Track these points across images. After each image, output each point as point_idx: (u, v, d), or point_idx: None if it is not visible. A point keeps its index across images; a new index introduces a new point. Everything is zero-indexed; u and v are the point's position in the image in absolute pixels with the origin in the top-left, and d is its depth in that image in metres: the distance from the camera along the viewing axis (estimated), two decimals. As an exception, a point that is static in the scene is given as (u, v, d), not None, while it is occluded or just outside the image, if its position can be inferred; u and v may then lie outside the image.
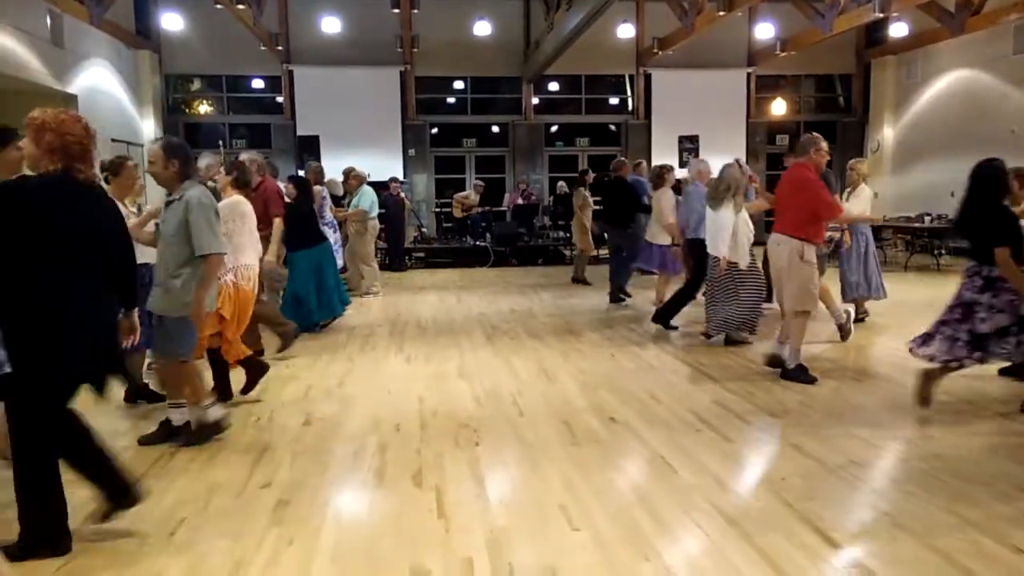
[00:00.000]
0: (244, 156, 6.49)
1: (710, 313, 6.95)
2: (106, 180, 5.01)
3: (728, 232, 6.51)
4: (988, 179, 4.74)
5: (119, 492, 3.22)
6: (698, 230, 7.31)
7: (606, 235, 10.56)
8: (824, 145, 5.72)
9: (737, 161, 6.80)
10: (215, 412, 4.45)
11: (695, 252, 7.45)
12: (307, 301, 7.54)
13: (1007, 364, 5.54)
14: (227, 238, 4.79)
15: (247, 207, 5.17)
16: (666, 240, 8.66)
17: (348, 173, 12.43)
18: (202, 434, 4.39)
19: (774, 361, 5.85)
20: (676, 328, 7.63)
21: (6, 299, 3.00)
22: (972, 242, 4.80)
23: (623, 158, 10.29)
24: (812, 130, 18.01)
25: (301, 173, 9.50)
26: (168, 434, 4.44)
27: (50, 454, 3.09)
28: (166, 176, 4.20)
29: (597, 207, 11.54)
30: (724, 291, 6.78)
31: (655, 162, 15.26)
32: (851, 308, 7.58)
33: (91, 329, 3.14)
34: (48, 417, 3.07)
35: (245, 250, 5.11)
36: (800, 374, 5.64)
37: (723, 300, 6.80)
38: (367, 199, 10.25)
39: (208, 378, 5.07)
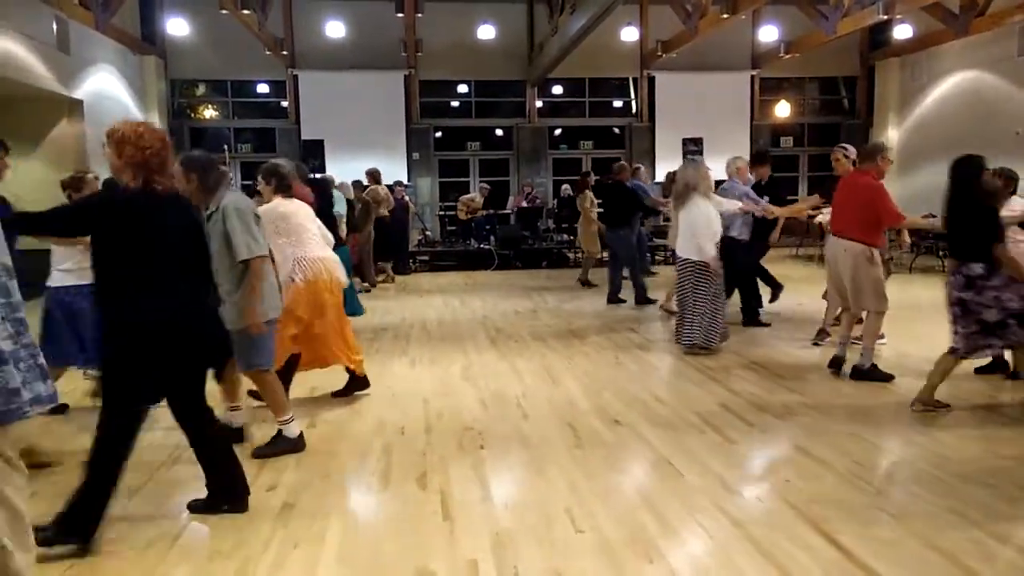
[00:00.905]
0: (274, 163, 6.46)
1: (699, 323, 6.74)
2: (68, 197, 4.99)
3: (701, 228, 6.50)
4: (974, 176, 4.76)
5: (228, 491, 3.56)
6: (731, 228, 7.37)
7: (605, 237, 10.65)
8: (889, 154, 5.85)
9: (692, 159, 6.87)
10: (293, 429, 4.42)
11: (726, 251, 7.21)
12: None
13: (984, 363, 5.69)
14: (276, 237, 4.83)
15: (287, 206, 5.04)
16: None
17: (373, 174, 12.45)
18: (276, 447, 4.35)
19: (837, 362, 5.87)
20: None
21: (106, 302, 3.26)
22: (956, 240, 4.84)
23: (623, 162, 10.31)
24: (816, 132, 17.97)
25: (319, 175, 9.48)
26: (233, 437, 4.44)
27: (127, 451, 3.27)
28: (190, 191, 4.17)
29: (600, 209, 11.57)
30: (703, 295, 6.66)
31: (659, 165, 15.32)
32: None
33: (187, 329, 3.31)
34: (136, 415, 3.28)
35: (304, 244, 5.01)
36: (875, 373, 5.66)
37: (702, 305, 6.66)
38: (341, 204, 10.07)
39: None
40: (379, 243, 11.84)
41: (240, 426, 4.58)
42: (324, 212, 7.56)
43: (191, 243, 3.42)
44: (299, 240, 4.98)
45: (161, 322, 3.23)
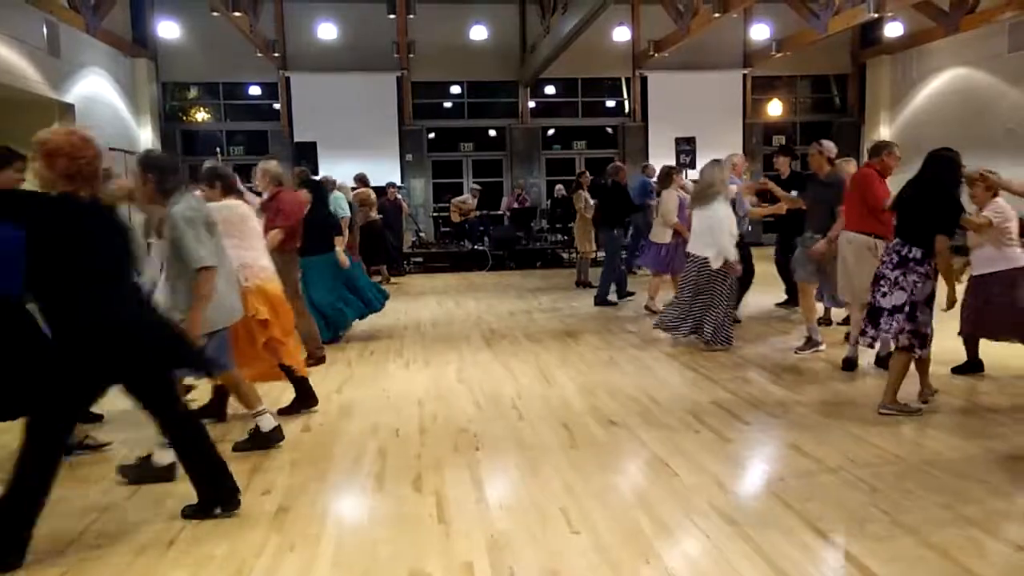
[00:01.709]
0: (262, 164, 6.35)
1: (700, 317, 6.85)
2: None
3: (725, 230, 6.60)
4: (948, 166, 4.80)
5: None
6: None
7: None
8: (897, 151, 5.90)
9: (716, 159, 6.95)
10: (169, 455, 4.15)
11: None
12: (341, 304, 7.37)
13: (960, 364, 5.74)
14: (225, 238, 4.59)
15: (232, 210, 4.85)
16: (668, 239, 8.71)
17: (360, 178, 12.43)
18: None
19: (850, 364, 5.93)
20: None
21: (46, 314, 3.21)
22: (908, 222, 4.86)
23: (619, 163, 10.40)
24: (809, 130, 18.03)
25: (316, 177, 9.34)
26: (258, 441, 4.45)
27: (57, 463, 3.17)
28: (144, 192, 4.05)
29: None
30: (718, 293, 6.77)
31: (652, 163, 15.34)
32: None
33: (125, 335, 3.21)
34: (66, 425, 3.22)
35: (251, 249, 4.88)
36: (887, 362, 5.68)
37: (718, 303, 6.77)
38: (344, 203, 9.99)
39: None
40: (372, 245, 11.77)
41: (271, 428, 4.49)
42: (321, 214, 7.40)
43: (120, 248, 3.31)
44: (250, 244, 4.86)
45: (101, 330, 3.14)
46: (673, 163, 13.54)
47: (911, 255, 4.72)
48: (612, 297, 9.75)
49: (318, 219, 7.28)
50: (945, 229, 4.66)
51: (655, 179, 9.99)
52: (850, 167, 7.07)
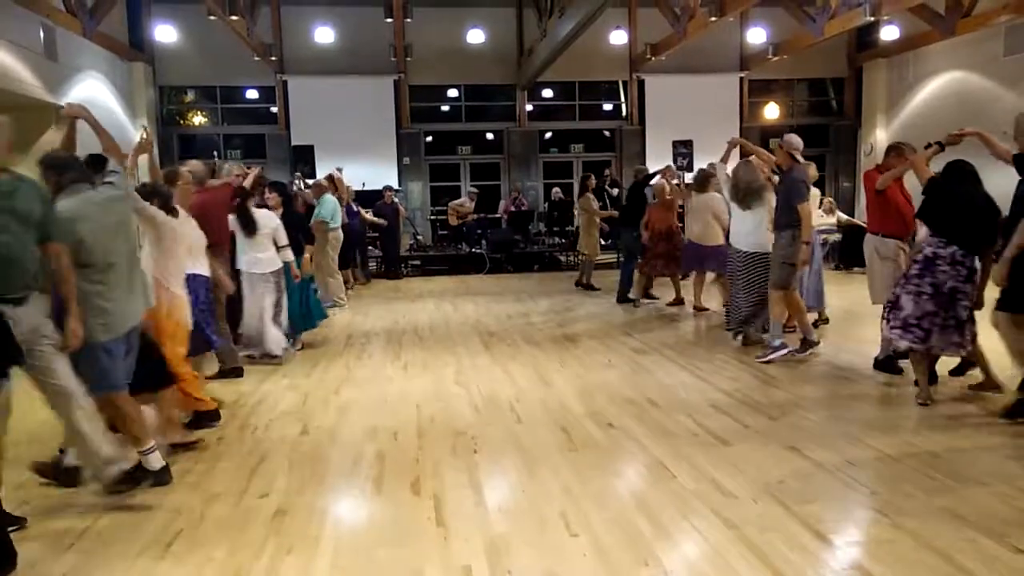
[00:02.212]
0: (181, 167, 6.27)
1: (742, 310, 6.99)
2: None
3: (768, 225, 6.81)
4: (976, 177, 5.02)
5: None
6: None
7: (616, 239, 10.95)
8: (907, 152, 5.96)
9: (746, 159, 7.00)
10: (153, 461, 3.89)
11: None
12: (291, 312, 7.26)
13: (956, 366, 5.78)
14: (150, 246, 4.55)
15: (169, 225, 4.72)
16: (722, 240, 8.71)
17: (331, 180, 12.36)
18: (129, 479, 3.72)
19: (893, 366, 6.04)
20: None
21: None
22: (964, 232, 4.87)
23: (642, 165, 10.53)
24: (805, 133, 18.03)
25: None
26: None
27: None
28: (51, 190, 3.92)
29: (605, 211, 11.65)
30: (753, 285, 6.87)
31: (650, 168, 15.40)
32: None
33: None
34: None
35: (175, 275, 4.69)
36: (887, 365, 5.87)
37: (762, 297, 6.85)
38: (327, 208, 9.82)
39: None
40: (343, 247, 11.05)
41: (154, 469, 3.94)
42: (291, 219, 7.29)
43: None
44: (170, 264, 4.67)
45: None
46: (672, 164, 13.57)
47: (974, 265, 4.84)
48: (632, 294, 9.86)
49: (288, 223, 7.26)
50: (994, 240, 4.86)
51: (689, 179, 10.05)
52: (810, 170, 7.16)
